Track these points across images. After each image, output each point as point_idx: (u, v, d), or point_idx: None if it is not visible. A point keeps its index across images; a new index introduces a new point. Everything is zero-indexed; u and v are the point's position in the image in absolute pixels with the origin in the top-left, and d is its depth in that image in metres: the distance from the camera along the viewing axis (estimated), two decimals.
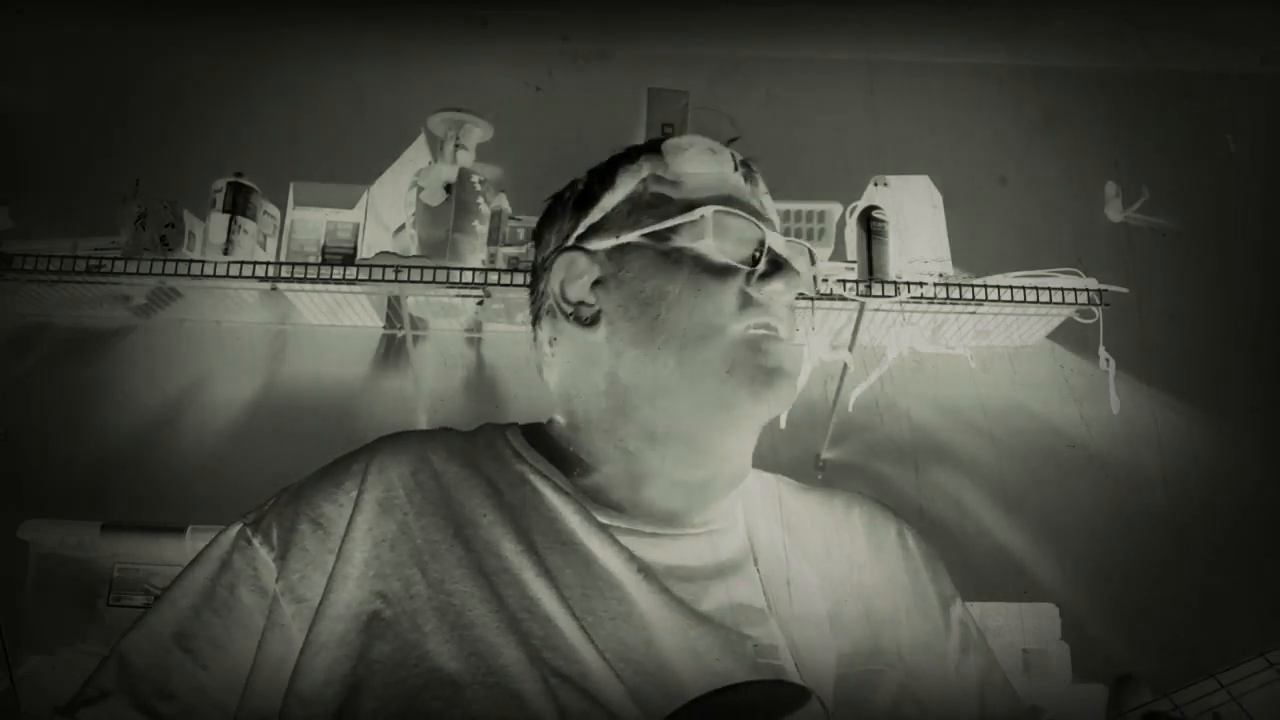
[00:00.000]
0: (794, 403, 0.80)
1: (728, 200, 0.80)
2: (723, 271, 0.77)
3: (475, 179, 1.77)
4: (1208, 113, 2.03)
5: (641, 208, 0.81)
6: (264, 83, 2.07)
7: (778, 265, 0.78)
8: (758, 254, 0.78)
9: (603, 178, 0.84)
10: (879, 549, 0.83)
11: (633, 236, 0.79)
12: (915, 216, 1.75)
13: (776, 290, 0.77)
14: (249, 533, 0.74)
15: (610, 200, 0.83)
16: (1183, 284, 1.90)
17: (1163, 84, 2.04)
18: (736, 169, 0.84)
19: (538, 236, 0.89)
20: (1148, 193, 1.88)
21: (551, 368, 0.84)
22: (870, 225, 1.71)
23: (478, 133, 1.83)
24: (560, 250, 0.83)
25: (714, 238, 0.77)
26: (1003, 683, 0.82)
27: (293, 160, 1.92)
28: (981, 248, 1.80)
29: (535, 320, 0.87)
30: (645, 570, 0.72)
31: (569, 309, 0.81)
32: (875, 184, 1.76)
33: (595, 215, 0.83)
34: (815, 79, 2.09)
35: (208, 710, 0.69)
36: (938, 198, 1.77)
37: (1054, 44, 2.05)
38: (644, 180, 0.82)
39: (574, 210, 0.85)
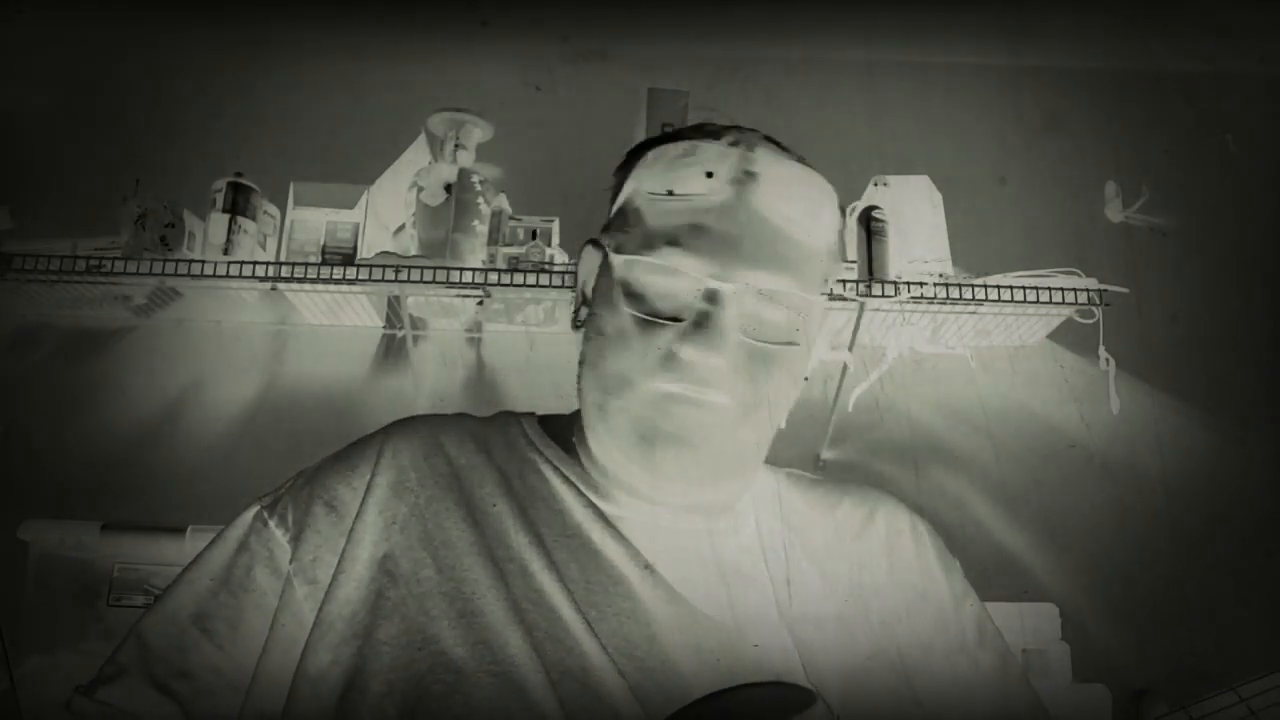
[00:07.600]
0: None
1: (691, 231, 0.71)
2: (647, 324, 0.71)
3: (475, 179, 1.77)
4: (1208, 113, 2.03)
5: (620, 222, 0.77)
6: (264, 83, 2.07)
7: (701, 326, 0.69)
8: (699, 303, 0.70)
9: (624, 164, 0.79)
10: (889, 547, 0.80)
11: (608, 253, 0.75)
12: (915, 216, 1.75)
13: (691, 356, 0.69)
14: (265, 515, 0.75)
15: (622, 194, 0.78)
16: (1183, 284, 1.90)
17: (1163, 84, 2.04)
18: (735, 176, 0.72)
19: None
20: (1148, 193, 1.88)
21: None
22: (870, 225, 1.71)
23: (478, 133, 1.83)
24: (593, 238, 0.80)
25: (626, 304, 0.71)
26: (1019, 683, 0.79)
27: (293, 160, 1.92)
28: (981, 248, 1.80)
29: None
30: (650, 566, 0.72)
31: (575, 306, 0.79)
32: (875, 184, 1.76)
33: (614, 207, 0.79)
34: (815, 79, 2.08)
35: (222, 690, 0.70)
36: (938, 198, 1.77)
37: (1054, 44, 2.05)
38: (634, 186, 0.76)
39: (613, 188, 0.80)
